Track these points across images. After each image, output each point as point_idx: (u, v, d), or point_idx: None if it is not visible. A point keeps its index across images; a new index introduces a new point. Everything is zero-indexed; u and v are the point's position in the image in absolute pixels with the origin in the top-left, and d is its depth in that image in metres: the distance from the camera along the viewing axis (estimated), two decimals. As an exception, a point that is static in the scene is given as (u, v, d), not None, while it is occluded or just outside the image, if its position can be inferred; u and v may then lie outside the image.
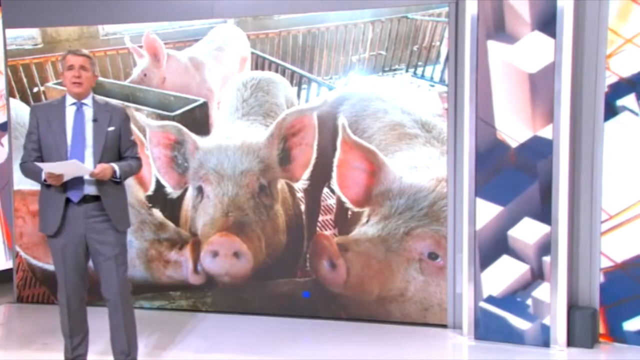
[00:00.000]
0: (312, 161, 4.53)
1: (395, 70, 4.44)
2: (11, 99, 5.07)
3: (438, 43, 4.33)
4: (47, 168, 3.13)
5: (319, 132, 4.52)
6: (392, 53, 4.44)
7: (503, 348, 3.96)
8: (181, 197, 4.78)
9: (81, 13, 4.87)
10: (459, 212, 4.20)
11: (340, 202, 4.50)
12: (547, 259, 3.92)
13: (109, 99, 3.53)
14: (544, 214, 3.91)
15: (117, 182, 3.30)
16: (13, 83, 5.05)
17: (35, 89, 5.02)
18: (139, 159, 3.46)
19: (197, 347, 4.05)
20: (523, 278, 3.97)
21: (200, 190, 4.69)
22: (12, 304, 5.12)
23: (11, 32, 5.02)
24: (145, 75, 4.81)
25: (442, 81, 4.32)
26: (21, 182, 5.01)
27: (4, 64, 5.14)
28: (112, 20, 4.84)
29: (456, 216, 4.25)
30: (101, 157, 3.24)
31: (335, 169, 4.49)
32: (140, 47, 4.81)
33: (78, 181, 3.20)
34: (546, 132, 3.88)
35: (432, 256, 4.30)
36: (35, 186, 4.88)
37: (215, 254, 4.60)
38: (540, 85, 3.87)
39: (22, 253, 5.02)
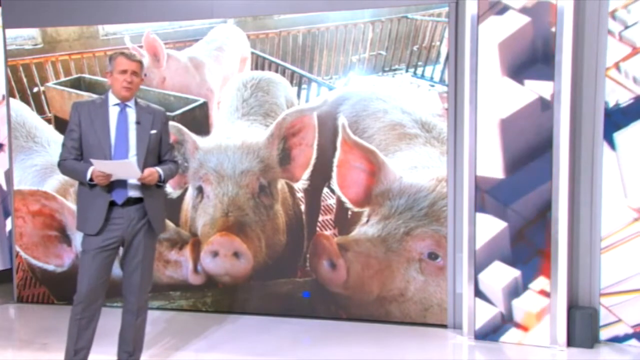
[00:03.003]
0: (312, 161, 4.53)
1: (395, 70, 4.44)
2: (11, 99, 5.07)
3: (438, 43, 4.33)
4: (100, 166, 3.07)
5: (319, 132, 4.52)
6: (392, 53, 4.44)
7: (503, 348, 3.96)
8: (181, 197, 4.78)
9: (81, 13, 4.87)
10: (459, 212, 4.20)
11: (340, 202, 4.50)
12: (516, 302, 3.97)
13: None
14: (514, 258, 3.96)
15: (159, 186, 3.28)
16: (13, 83, 5.05)
17: (35, 89, 5.02)
18: (177, 163, 3.47)
19: (197, 347, 4.05)
20: (493, 320, 4.04)
21: (200, 190, 4.69)
22: (12, 304, 5.13)
23: (11, 32, 5.02)
24: (145, 75, 4.78)
25: (442, 81, 4.32)
26: (21, 182, 5.01)
27: (3, 64, 5.14)
28: (112, 20, 4.84)
29: (456, 216, 4.25)
30: (145, 160, 3.21)
31: (335, 169, 4.49)
32: (140, 47, 4.81)
33: (122, 183, 3.17)
34: (517, 173, 3.94)
35: (432, 256, 4.30)
36: (34, 186, 4.94)
37: (215, 254, 4.60)
38: (512, 127, 3.92)
39: (22, 253, 5.02)
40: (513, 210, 3.93)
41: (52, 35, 4.97)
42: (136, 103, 3.29)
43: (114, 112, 3.23)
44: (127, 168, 3.11)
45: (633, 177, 3.89)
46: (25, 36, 5.00)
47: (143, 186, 3.20)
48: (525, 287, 3.95)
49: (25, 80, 5.03)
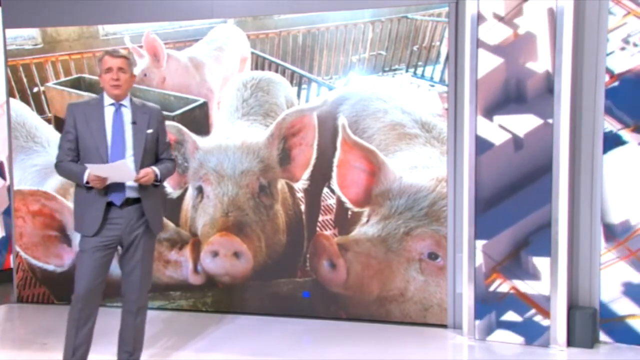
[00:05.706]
0: (312, 161, 4.53)
1: (395, 70, 4.44)
2: (11, 99, 5.07)
3: (438, 43, 4.33)
4: (95, 170, 3.07)
5: (319, 132, 4.52)
6: (392, 53, 4.44)
7: (503, 348, 3.96)
8: (181, 197, 4.78)
9: (81, 13, 4.87)
10: (459, 212, 4.20)
11: (340, 202, 4.50)
12: (490, 339, 4.02)
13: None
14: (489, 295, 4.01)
15: (156, 185, 3.28)
16: (13, 83, 5.05)
17: (35, 89, 5.02)
18: (174, 161, 3.46)
19: (197, 347, 4.05)
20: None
21: (200, 190, 4.69)
22: (12, 304, 5.13)
23: (11, 32, 5.02)
24: (145, 75, 4.81)
25: (442, 81, 4.32)
26: (21, 182, 5.01)
27: (4, 64, 5.14)
28: (112, 20, 4.84)
29: (456, 216, 4.25)
30: (142, 160, 3.20)
31: (335, 169, 4.49)
32: (140, 47, 4.81)
33: (119, 184, 3.16)
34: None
35: (432, 256, 4.30)
36: (34, 186, 4.94)
37: (215, 254, 4.60)
38: (486, 167, 3.96)
39: (22, 253, 5.02)
40: (483, 251, 3.99)
41: (52, 35, 4.97)
42: (131, 102, 3.28)
43: (109, 113, 3.22)
44: (123, 170, 3.09)
45: (612, 204, 3.93)
46: (25, 36, 5.00)
47: (140, 186, 3.19)
48: (498, 324, 3.99)
49: (25, 80, 5.03)
